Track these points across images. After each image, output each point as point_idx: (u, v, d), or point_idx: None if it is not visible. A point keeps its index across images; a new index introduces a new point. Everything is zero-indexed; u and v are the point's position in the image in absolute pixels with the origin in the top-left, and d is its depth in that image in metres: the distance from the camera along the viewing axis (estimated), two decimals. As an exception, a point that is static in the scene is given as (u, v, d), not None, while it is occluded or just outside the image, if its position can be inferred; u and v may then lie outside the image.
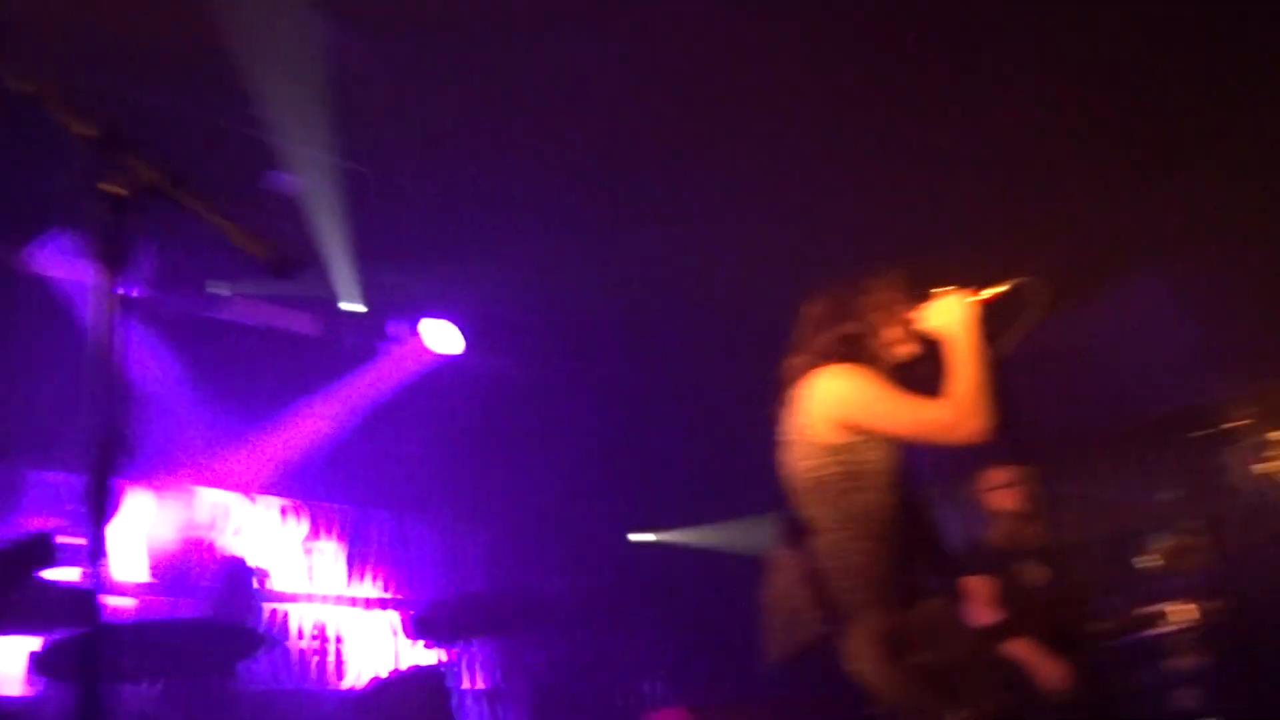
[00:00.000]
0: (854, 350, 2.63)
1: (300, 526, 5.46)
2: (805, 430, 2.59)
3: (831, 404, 2.56)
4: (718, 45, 4.55)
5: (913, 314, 2.69)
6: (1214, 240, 5.66)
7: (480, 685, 4.53)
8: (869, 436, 2.55)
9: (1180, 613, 5.04)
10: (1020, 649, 4.09)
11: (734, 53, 4.60)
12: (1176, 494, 5.55)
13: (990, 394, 2.51)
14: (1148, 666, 5.05)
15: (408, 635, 4.59)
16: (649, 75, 4.64)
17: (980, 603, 4.12)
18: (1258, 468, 5.41)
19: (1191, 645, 4.97)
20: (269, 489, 5.36)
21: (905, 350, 2.68)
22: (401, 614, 5.52)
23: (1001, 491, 4.48)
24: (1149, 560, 4.48)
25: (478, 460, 6.23)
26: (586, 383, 6.91)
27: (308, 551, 5.45)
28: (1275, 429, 5.32)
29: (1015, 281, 2.60)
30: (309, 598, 5.36)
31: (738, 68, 4.69)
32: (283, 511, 5.43)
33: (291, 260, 1.67)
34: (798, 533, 2.56)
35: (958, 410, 2.51)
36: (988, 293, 2.61)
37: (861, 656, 2.33)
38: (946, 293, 2.65)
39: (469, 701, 5.35)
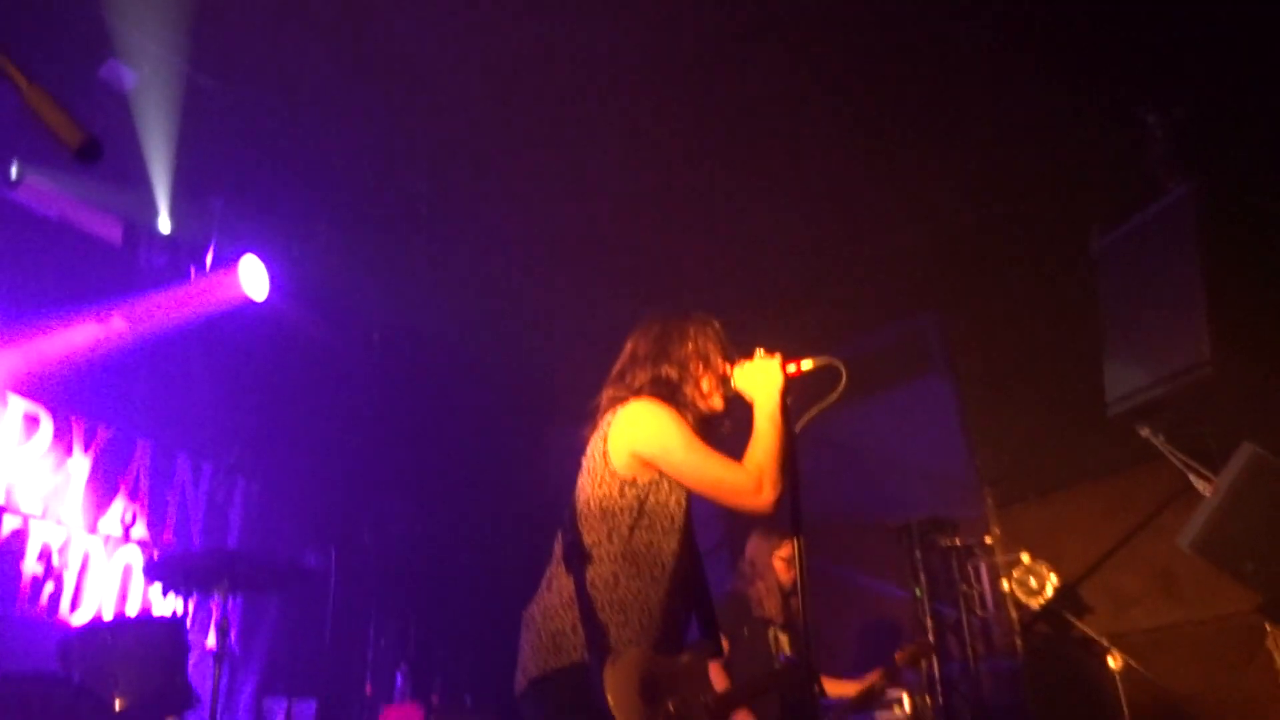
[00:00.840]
0: (668, 392, 2.66)
1: (48, 440, 5.01)
2: (604, 457, 2.60)
3: (634, 436, 2.58)
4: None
5: (728, 369, 2.73)
6: (996, 359, 6.22)
7: (213, 645, 4.33)
8: (664, 477, 2.58)
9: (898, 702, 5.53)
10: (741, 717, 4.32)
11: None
12: (921, 595, 5.99)
13: (785, 467, 2.55)
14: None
15: (148, 577, 4.34)
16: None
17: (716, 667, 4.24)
18: (1004, 583, 5.87)
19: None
20: (22, 390, 4.90)
21: (714, 404, 2.73)
22: (145, 554, 5.22)
23: (778, 561, 4.71)
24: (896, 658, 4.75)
25: (260, 414, 6.01)
26: (391, 357, 6.80)
27: (55, 468, 5.04)
28: (1023, 549, 5.73)
29: (823, 360, 2.65)
30: (48, 519, 4.91)
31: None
32: (32, 419, 4.96)
33: (98, 147, 1.55)
34: (575, 556, 2.54)
35: (755, 478, 2.52)
36: (798, 365, 2.66)
37: (615, 691, 2.31)
38: (764, 356, 2.68)
39: (200, 658, 5.14)
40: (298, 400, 6.30)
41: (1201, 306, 4.66)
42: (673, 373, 2.69)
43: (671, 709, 2.41)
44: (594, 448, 2.65)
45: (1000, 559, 5.97)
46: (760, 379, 2.66)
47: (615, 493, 2.57)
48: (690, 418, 2.66)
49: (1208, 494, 4.62)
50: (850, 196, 5.70)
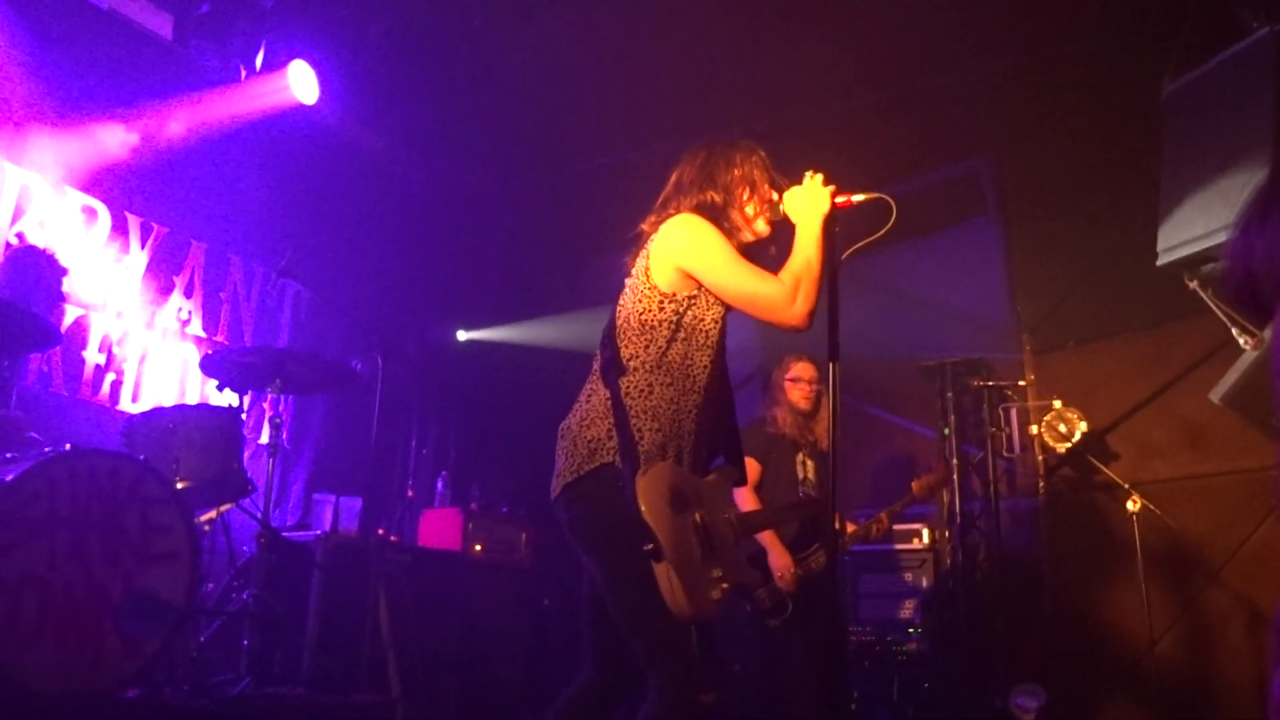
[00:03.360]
0: (712, 215, 2.69)
1: (106, 233, 5.13)
2: (646, 273, 2.64)
3: (676, 249, 2.61)
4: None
5: (774, 194, 2.76)
6: (1048, 206, 6.16)
7: (267, 440, 4.53)
8: (703, 292, 2.62)
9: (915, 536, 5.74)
10: (766, 537, 4.51)
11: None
12: (948, 434, 6.11)
13: (820, 288, 2.58)
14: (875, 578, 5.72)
15: (205, 372, 4.51)
16: None
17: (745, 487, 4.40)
18: (1032, 428, 5.94)
19: (916, 565, 5.68)
20: (77, 183, 4.98)
21: (759, 228, 2.77)
22: (201, 350, 5.41)
23: (786, 382, 4.82)
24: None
25: (311, 220, 6.11)
26: (440, 172, 6.82)
27: (114, 261, 5.18)
28: (1056, 397, 5.78)
29: (874, 195, 2.66)
30: (109, 310, 5.08)
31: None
32: (90, 212, 5.06)
33: None
34: (613, 368, 2.60)
35: (789, 290, 2.57)
36: (848, 197, 2.67)
37: (646, 495, 2.38)
38: (815, 181, 2.70)
39: (255, 452, 5.40)
40: (347, 208, 6.38)
41: (1266, 158, 4.53)
42: (718, 197, 2.72)
43: (698, 518, 2.49)
44: (638, 266, 2.69)
45: (1032, 404, 6.01)
46: (808, 202, 2.68)
47: (655, 306, 2.61)
48: (735, 242, 2.70)
49: (1249, 348, 4.57)
50: (905, 29, 5.52)
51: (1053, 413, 5.73)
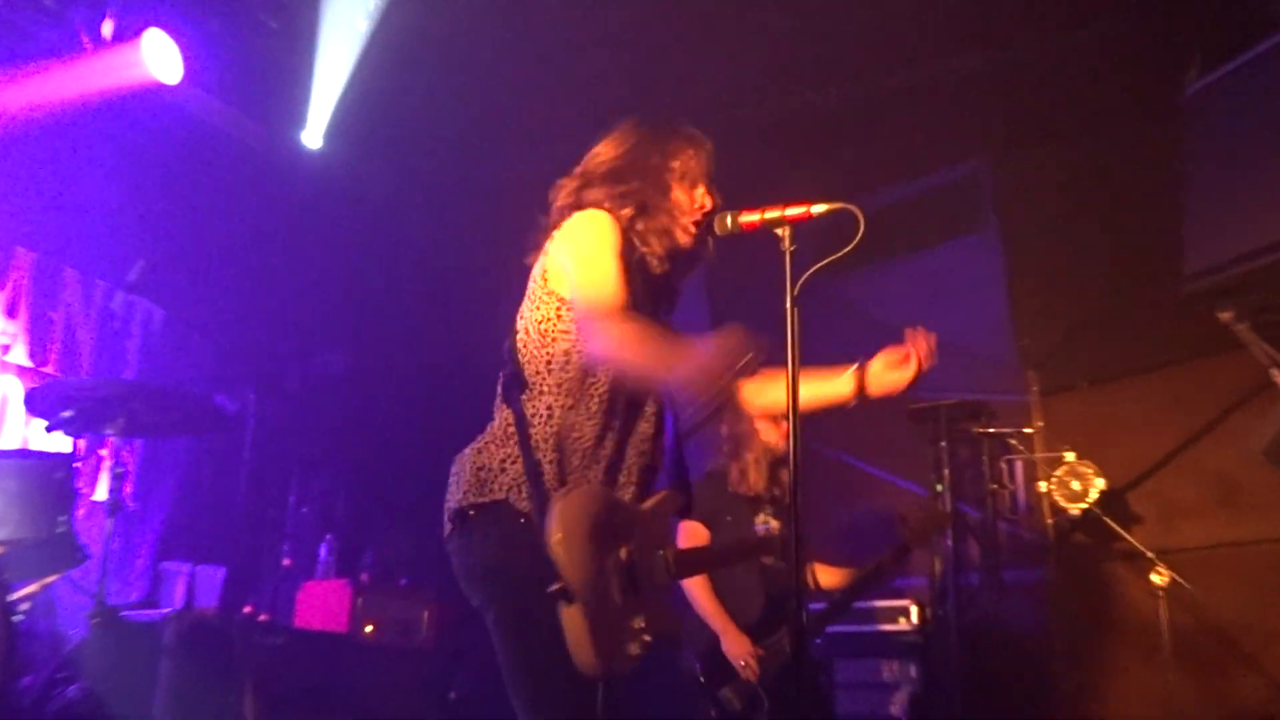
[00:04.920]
0: (626, 211, 2.71)
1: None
2: (542, 275, 2.70)
3: (566, 248, 2.66)
4: None
5: (707, 202, 2.79)
6: (1055, 220, 6.23)
7: (105, 495, 4.39)
8: None
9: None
10: (716, 619, 4.48)
11: None
12: (941, 491, 6.09)
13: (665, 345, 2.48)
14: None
15: (29, 410, 4.38)
16: None
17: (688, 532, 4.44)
18: (1040, 484, 5.96)
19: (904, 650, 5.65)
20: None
21: (679, 238, 2.75)
22: (25, 383, 5.25)
23: (763, 420, 4.75)
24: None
25: (170, 225, 6.00)
26: (335, 165, 6.74)
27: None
28: (1068, 448, 5.80)
29: (836, 205, 2.64)
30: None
31: None
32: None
33: None
34: (513, 388, 2.64)
35: (624, 320, 2.51)
36: (806, 208, 2.64)
37: (561, 525, 2.36)
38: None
39: (90, 512, 5.23)
40: (215, 210, 6.27)
41: None
42: (641, 194, 2.73)
43: (624, 557, 2.48)
44: (535, 268, 2.74)
45: (1039, 455, 6.03)
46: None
47: (553, 314, 2.65)
48: (648, 251, 2.72)
49: None
50: (885, 11, 5.57)
51: (1064, 466, 5.75)
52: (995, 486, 6.13)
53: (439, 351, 7.08)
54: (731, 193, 2.88)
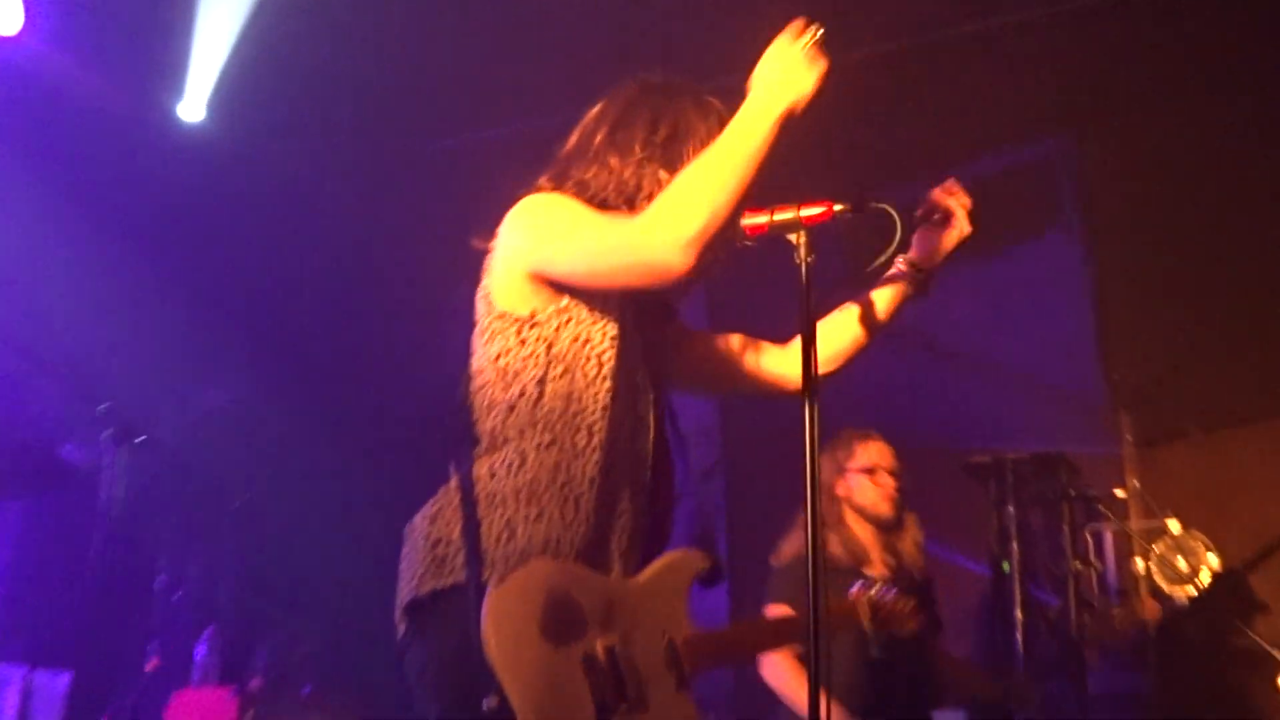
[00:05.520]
0: (614, 195, 2.73)
1: None
2: (489, 296, 2.73)
3: (514, 248, 2.69)
4: None
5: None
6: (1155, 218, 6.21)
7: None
8: (575, 300, 2.66)
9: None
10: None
11: None
12: (1009, 572, 5.98)
13: (733, 200, 2.50)
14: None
15: None
16: None
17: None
18: (1138, 562, 5.89)
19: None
20: None
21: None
22: None
23: (878, 476, 4.96)
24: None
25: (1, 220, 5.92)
26: (221, 141, 6.65)
27: None
28: (1173, 515, 5.77)
29: (872, 205, 2.67)
30: None
31: None
32: None
33: None
34: (467, 440, 2.66)
35: (657, 211, 2.53)
36: (829, 207, 2.65)
37: (494, 620, 2.35)
38: (799, 37, 2.61)
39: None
40: (67, 203, 6.17)
41: None
42: (616, 176, 2.74)
43: (600, 651, 2.46)
44: (478, 294, 2.77)
45: (1136, 525, 5.92)
46: (778, 71, 2.58)
47: (512, 341, 2.66)
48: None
49: None
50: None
51: (1166, 540, 5.72)
52: (1079, 565, 6.00)
53: (359, 382, 7.03)
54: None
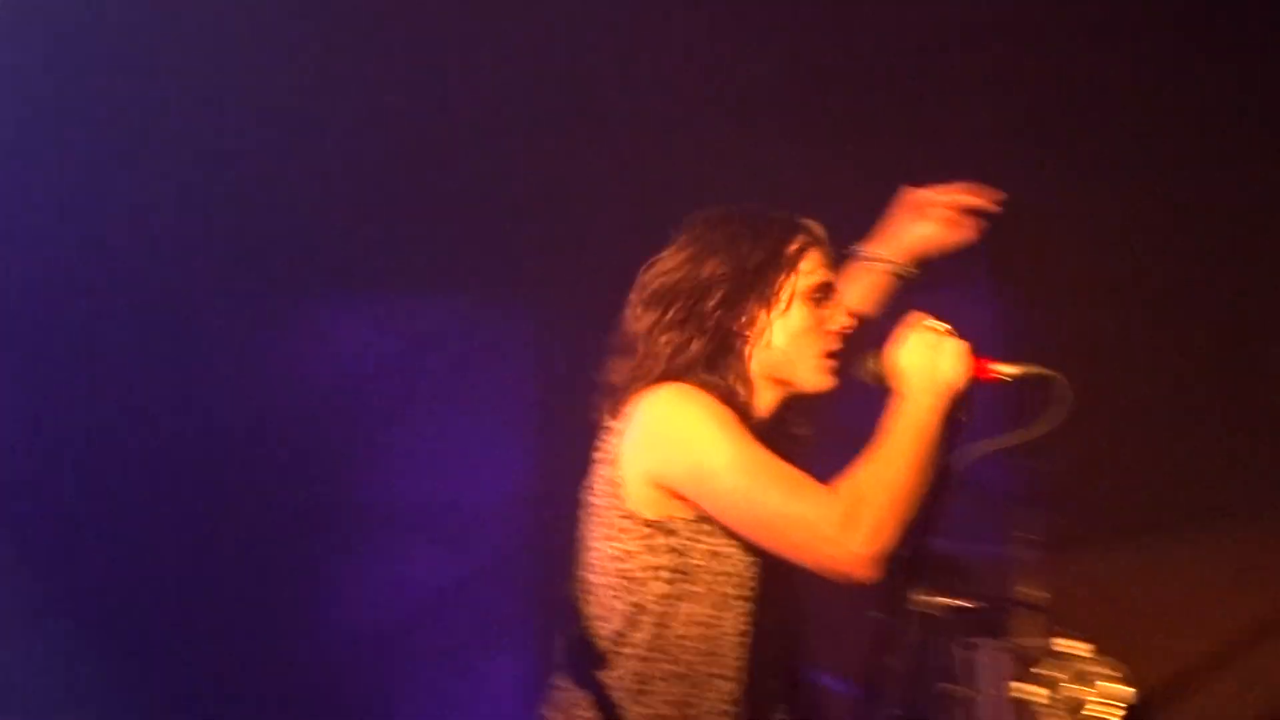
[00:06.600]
0: (717, 363, 2.77)
1: None
2: (616, 491, 2.74)
3: (653, 453, 2.69)
4: None
5: (841, 317, 2.87)
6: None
7: None
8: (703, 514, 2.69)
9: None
10: None
11: None
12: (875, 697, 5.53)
13: (906, 513, 2.61)
14: None
15: None
16: None
17: None
18: (1014, 685, 5.16)
19: None
20: None
21: (811, 381, 2.85)
22: None
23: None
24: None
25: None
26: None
27: None
28: (1080, 635, 5.05)
29: (1035, 370, 2.76)
30: None
31: None
32: None
33: None
34: (583, 652, 2.75)
35: (845, 513, 2.54)
36: (994, 367, 2.76)
37: None
38: (939, 330, 2.76)
39: None
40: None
41: None
42: (733, 337, 2.79)
43: None
44: (604, 474, 2.77)
45: (1036, 644, 5.28)
46: (926, 363, 2.70)
47: (639, 546, 2.71)
48: (762, 417, 2.81)
49: None
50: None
51: (1073, 665, 4.75)
52: (959, 689, 5.35)
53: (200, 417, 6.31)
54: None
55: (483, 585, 6.67)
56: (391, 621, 6.57)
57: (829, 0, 5.88)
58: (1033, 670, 5.19)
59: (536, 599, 6.65)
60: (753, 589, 2.77)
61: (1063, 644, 5.12)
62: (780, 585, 2.82)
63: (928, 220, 3.16)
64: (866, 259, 3.17)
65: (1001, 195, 3.23)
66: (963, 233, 3.18)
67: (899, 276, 3.18)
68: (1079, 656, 5.05)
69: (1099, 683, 5.04)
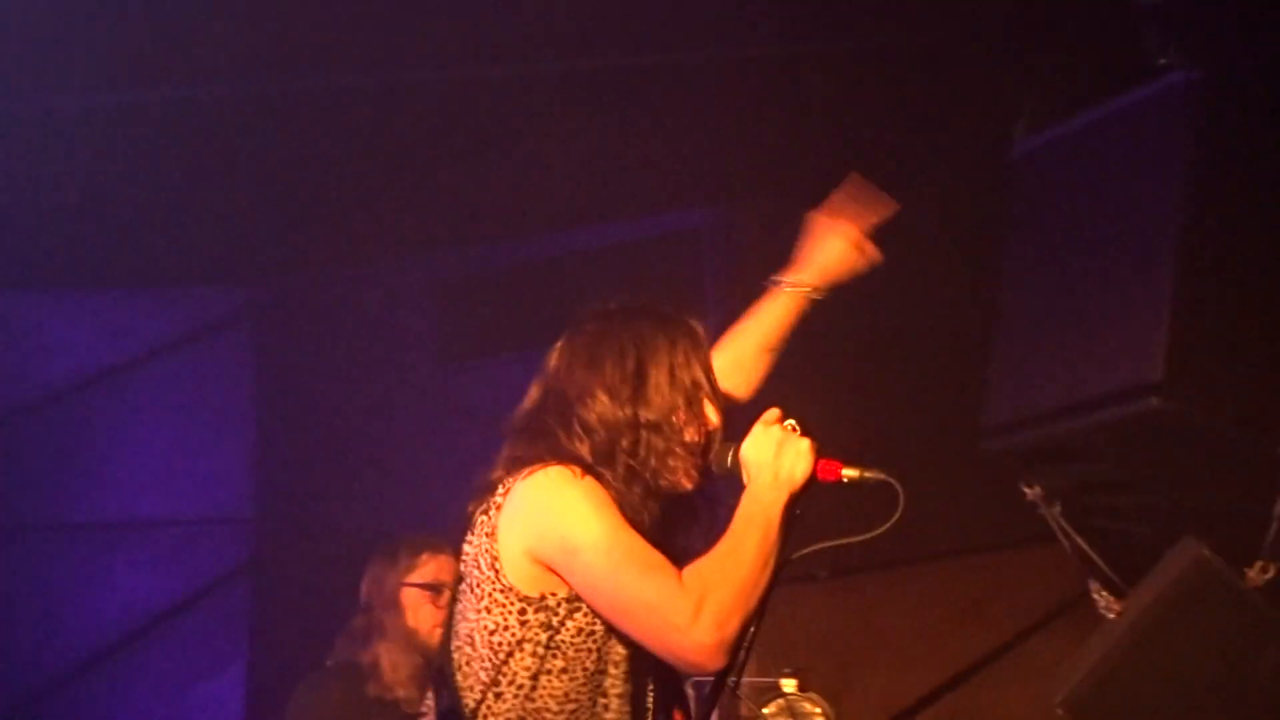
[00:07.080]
0: (601, 457, 2.76)
1: None
2: (493, 563, 2.74)
3: (529, 527, 2.69)
4: None
5: (712, 416, 2.84)
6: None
7: None
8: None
9: None
10: None
11: None
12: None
13: (754, 605, 2.64)
14: None
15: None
16: None
17: None
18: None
19: None
20: None
21: (680, 477, 2.79)
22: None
23: (410, 595, 4.79)
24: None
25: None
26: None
27: None
28: (788, 672, 5.48)
29: (875, 474, 2.75)
30: None
31: None
32: None
33: None
34: None
35: (693, 604, 2.55)
36: (837, 469, 2.75)
37: None
38: (788, 429, 2.76)
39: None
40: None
41: (1165, 299, 4.34)
42: (619, 431, 2.79)
43: None
44: (478, 547, 2.78)
45: (745, 681, 5.47)
46: (772, 459, 2.73)
47: (511, 618, 2.70)
48: (639, 509, 2.76)
49: (1111, 615, 4.62)
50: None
51: (778, 702, 5.40)
52: None
53: None
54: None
55: (197, 606, 6.38)
56: (101, 643, 6.28)
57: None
58: (745, 706, 5.35)
59: (251, 622, 6.43)
60: (628, 668, 2.73)
61: (773, 680, 5.29)
62: (651, 660, 2.73)
63: (838, 242, 3.20)
64: (784, 285, 3.15)
65: (897, 206, 3.30)
66: (871, 252, 3.23)
67: (813, 301, 3.17)
68: (786, 693, 5.23)
69: (802, 717, 5.27)
